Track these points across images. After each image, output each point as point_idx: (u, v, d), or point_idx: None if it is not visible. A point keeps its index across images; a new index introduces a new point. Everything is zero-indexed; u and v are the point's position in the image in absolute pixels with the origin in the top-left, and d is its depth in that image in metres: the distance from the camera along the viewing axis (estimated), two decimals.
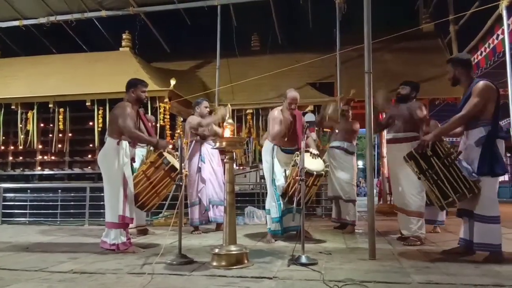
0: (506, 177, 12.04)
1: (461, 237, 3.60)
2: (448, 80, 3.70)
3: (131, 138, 4.07)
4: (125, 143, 4.00)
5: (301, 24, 10.10)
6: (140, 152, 5.23)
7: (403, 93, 4.51)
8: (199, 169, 5.32)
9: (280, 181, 4.45)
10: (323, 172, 4.27)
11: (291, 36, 10.38)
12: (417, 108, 4.36)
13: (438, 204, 3.46)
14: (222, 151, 4.07)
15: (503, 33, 6.20)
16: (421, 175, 3.50)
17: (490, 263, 3.19)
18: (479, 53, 7.60)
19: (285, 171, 4.43)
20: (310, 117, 7.57)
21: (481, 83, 3.40)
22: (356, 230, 5.25)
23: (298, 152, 4.29)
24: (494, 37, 6.98)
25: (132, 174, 4.13)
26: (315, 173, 4.18)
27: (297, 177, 3.78)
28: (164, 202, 4.13)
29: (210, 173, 5.35)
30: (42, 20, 8.90)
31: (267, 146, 4.66)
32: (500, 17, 6.09)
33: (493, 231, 3.26)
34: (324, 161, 4.51)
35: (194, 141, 5.32)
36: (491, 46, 7.07)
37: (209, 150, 5.35)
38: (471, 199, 3.35)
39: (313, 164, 4.30)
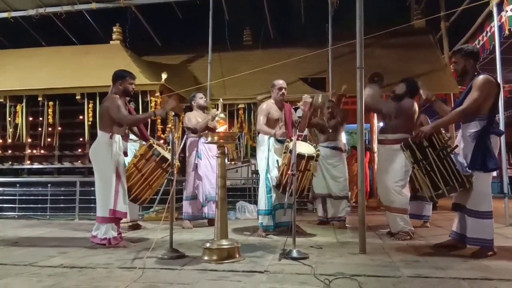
0: (494, 173, 12.17)
1: (453, 230, 3.63)
2: (455, 71, 3.64)
3: (131, 125, 4.04)
4: (118, 137, 3.97)
5: (293, 19, 10.10)
6: (133, 146, 5.20)
7: (397, 93, 4.44)
8: (195, 166, 5.32)
9: (274, 172, 4.46)
10: (314, 155, 4.29)
11: (283, 31, 10.37)
12: (408, 108, 4.35)
13: (428, 194, 3.51)
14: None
15: (491, 30, 6.27)
16: (414, 165, 3.54)
17: (478, 257, 3.24)
18: None
19: (277, 161, 4.44)
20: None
21: (481, 77, 3.36)
22: (346, 225, 5.28)
23: (289, 139, 4.32)
24: (484, 34, 7.05)
25: (124, 168, 4.11)
26: (306, 155, 4.19)
27: (289, 165, 3.81)
28: (155, 196, 4.13)
29: (207, 168, 5.34)
30: (31, 12, 8.75)
31: (262, 139, 4.67)
32: (490, 14, 6.15)
33: (486, 226, 3.30)
34: (315, 147, 4.53)
35: (187, 137, 5.32)
36: (481, 43, 7.14)
37: (205, 146, 5.34)
38: (465, 194, 3.39)
39: (304, 148, 4.31)
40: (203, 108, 5.54)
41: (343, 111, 5.59)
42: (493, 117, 3.42)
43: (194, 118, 5.34)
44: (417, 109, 4.46)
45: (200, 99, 5.54)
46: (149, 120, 6.92)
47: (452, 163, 3.36)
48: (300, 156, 4.08)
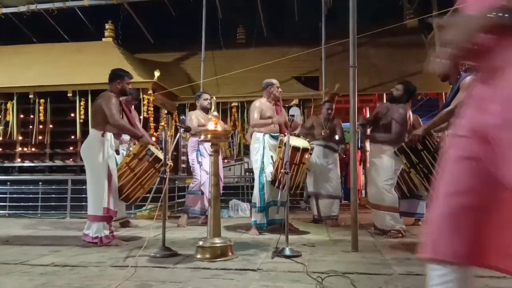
0: None
1: None
2: (438, 76, 3.70)
3: (117, 127, 4.02)
4: (109, 135, 3.95)
5: (286, 17, 10.11)
6: (121, 146, 5.17)
7: (395, 94, 4.49)
8: (200, 163, 5.29)
9: (269, 168, 4.48)
10: (308, 147, 4.32)
11: (276, 29, 10.39)
12: (400, 113, 4.36)
13: (429, 197, 3.54)
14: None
15: None
16: (411, 169, 3.57)
17: None
18: None
19: (271, 157, 4.46)
20: (295, 110, 7.61)
21: (468, 78, 3.42)
22: (343, 223, 5.31)
23: (283, 134, 4.37)
24: None
25: (116, 166, 4.09)
26: (301, 147, 4.21)
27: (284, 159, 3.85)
28: (147, 195, 4.12)
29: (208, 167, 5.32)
30: (22, 8, 8.67)
31: (258, 136, 4.66)
32: None
33: None
34: (308, 141, 4.55)
35: (180, 135, 5.33)
36: None
37: (205, 145, 5.32)
38: None
39: (298, 141, 4.34)
40: (206, 110, 5.48)
41: (340, 126, 5.57)
42: None
43: (196, 118, 5.29)
44: (410, 115, 4.46)
45: (204, 100, 5.43)
46: (142, 118, 6.89)
47: None
48: (295, 149, 4.12)
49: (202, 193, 5.28)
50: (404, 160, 3.61)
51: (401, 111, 4.38)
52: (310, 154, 4.42)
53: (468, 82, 3.41)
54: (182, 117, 8.60)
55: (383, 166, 4.29)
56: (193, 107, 5.71)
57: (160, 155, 4.04)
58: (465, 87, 3.39)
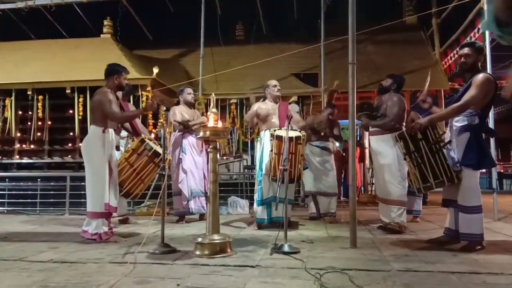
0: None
1: (446, 227, 3.66)
2: (464, 63, 3.51)
3: (121, 121, 4.02)
4: (111, 131, 3.93)
5: (286, 14, 10.10)
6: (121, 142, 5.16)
7: (384, 85, 4.57)
8: (180, 160, 5.29)
9: (267, 160, 4.51)
10: (301, 135, 4.32)
11: (275, 26, 10.37)
12: (394, 100, 4.39)
13: (416, 186, 3.56)
14: (206, 141, 4.05)
15: None
16: (406, 156, 3.58)
17: (467, 252, 3.28)
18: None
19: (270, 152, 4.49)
20: (294, 107, 7.60)
21: (481, 75, 3.37)
22: (342, 220, 5.32)
23: (274, 128, 4.47)
24: (475, 30, 7.11)
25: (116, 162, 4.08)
26: (294, 136, 4.20)
27: (279, 154, 4.01)
28: (146, 191, 4.11)
29: (191, 164, 5.31)
30: (20, 4, 8.61)
31: (260, 134, 4.80)
32: (481, 10, 6.18)
33: (475, 221, 3.33)
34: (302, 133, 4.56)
35: (176, 131, 5.32)
36: (472, 39, 7.19)
37: (190, 141, 5.31)
38: (454, 189, 3.43)
39: (290, 132, 4.32)
40: (189, 105, 5.48)
41: (338, 125, 5.65)
42: (486, 115, 3.45)
43: (179, 113, 5.29)
44: (404, 102, 4.47)
45: (187, 94, 5.45)
46: (140, 115, 6.87)
47: (443, 158, 3.40)
48: (288, 139, 4.13)
49: (181, 192, 5.26)
50: (402, 147, 3.62)
51: (394, 98, 4.40)
52: (300, 144, 4.38)
53: (480, 79, 3.37)
54: None
55: (387, 159, 4.29)
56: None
57: (159, 149, 4.03)
58: (476, 84, 3.36)
